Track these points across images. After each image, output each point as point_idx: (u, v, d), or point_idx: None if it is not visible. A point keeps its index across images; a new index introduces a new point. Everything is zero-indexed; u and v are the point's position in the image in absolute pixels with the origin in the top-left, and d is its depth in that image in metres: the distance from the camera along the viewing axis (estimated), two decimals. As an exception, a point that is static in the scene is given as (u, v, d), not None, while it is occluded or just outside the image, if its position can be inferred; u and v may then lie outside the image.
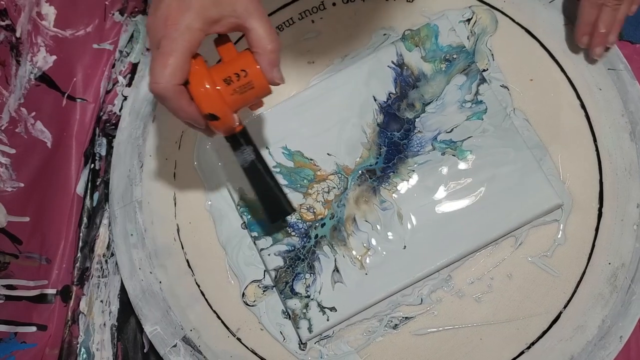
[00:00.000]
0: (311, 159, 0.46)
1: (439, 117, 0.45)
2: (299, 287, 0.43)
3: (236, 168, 0.45)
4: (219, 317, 0.45)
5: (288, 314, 0.43)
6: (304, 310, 0.43)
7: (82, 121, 0.53)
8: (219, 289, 0.46)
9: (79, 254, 0.50)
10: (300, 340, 0.43)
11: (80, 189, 0.52)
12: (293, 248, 0.44)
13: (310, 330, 0.42)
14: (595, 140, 0.44)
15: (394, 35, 0.48)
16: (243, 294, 0.45)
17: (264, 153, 0.45)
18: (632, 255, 0.42)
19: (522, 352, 0.41)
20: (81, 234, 0.50)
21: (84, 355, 0.47)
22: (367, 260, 0.43)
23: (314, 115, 0.46)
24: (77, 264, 0.50)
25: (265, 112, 0.47)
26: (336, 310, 0.42)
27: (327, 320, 0.42)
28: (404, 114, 0.45)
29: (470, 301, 0.43)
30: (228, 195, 0.46)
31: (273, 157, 0.46)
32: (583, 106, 0.45)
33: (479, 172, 0.43)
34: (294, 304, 0.43)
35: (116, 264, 0.48)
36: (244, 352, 0.44)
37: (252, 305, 0.45)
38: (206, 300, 0.45)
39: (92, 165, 0.52)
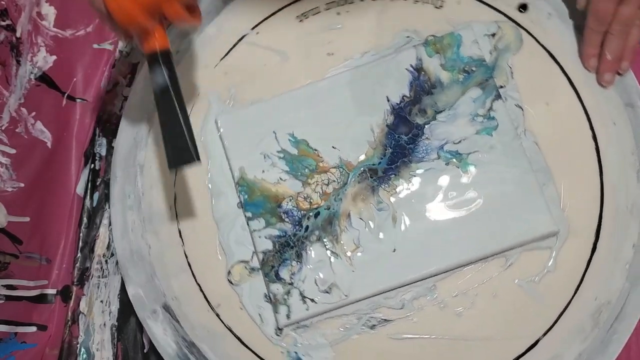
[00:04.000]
0: (316, 150, 0.46)
1: (449, 127, 0.45)
2: (284, 273, 0.44)
3: (242, 146, 0.46)
4: (201, 290, 0.46)
5: (269, 298, 0.44)
6: (285, 297, 0.43)
7: (82, 121, 0.53)
8: (206, 263, 0.46)
9: (79, 254, 0.51)
10: (278, 325, 0.43)
11: (80, 189, 0.52)
12: (284, 234, 0.44)
13: (288, 317, 0.43)
14: (601, 173, 0.44)
15: (417, 39, 0.48)
16: (229, 272, 0.45)
17: (271, 137, 0.45)
18: (620, 294, 0.41)
19: (493, 374, 0.41)
20: (81, 234, 0.51)
21: (84, 355, 0.48)
22: (356, 258, 0.43)
23: (325, 107, 0.46)
24: (77, 264, 0.50)
25: (277, 98, 0.47)
26: (316, 303, 0.43)
27: (307, 310, 0.43)
28: (415, 119, 0.45)
29: (451, 314, 0.43)
30: (229, 173, 0.47)
31: (279, 142, 0.46)
32: (595, 138, 0.44)
33: (479, 187, 0.43)
34: (277, 288, 0.43)
35: (116, 263, 0.48)
36: (220, 329, 0.45)
37: (236, 285, 0.45)
38: (192, 272, 0.46)
39: (92, 165, 0.52)
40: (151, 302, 0.45)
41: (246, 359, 0.44)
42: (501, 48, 0.47)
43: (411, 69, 0.46)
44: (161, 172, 0.48)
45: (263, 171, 0.46)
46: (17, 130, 0.49)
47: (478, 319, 0.42)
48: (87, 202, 0.52)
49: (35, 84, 0.51)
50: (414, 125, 0.45)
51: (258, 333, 0.44)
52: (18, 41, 0.49)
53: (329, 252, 0.43)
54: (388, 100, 0.46)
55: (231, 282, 0.45)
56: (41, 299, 0.49)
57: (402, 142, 0.45)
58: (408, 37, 0.48)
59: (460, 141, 0.44)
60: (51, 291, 0.50)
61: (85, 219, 0.51)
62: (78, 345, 0.48)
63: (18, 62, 0.49)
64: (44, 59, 0.52)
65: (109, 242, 0.50)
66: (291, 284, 0.43)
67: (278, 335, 0.44)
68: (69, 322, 0.49)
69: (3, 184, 0.48)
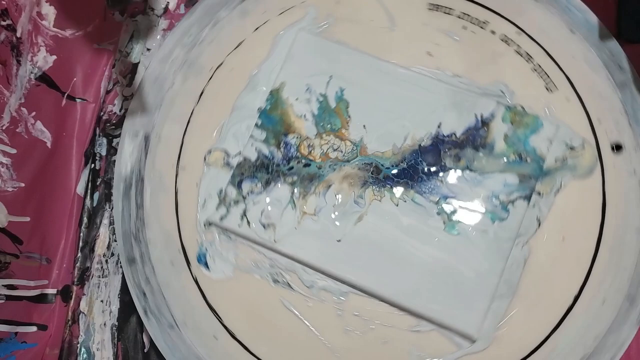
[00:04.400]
0: (349, 117, 0.46)
1: (466, 188, 0.44)
2: (245, 186, 0.45)
3: (298, 67, 0.47)
4: (180, 147, 0.48)
5: (221, 193, 0.46)
6: (231, 203, 0.45)
7: (82, 121, 0.53)
8: (198, 132, 0.48)
9: (79, 254, 0.51)
10: (209, 218, 0.46)
11: (80, 188, 0.52)
12: (271, 158, 0.46)
13: (221, 219, 0.45)
14: (554, 330, 0.42)
15: (506, 98, 0.45)
16: (210, 151, 0.47)
17: (324, 78, 0.47)
18: None
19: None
20: (81, 234, 0.51)
21: (84, 355, 0.48)
22: (306, 221, 0.44)
23: (387, 92, 0.46)
24: (78, 264, 0.51)
25: (358, 53, 0.47)
26: (249, 227, 0.45)
27: (238, 226, 0.45)
28: (445, 159, 0.45)
29: (340, 326, 0.43)
30: (273, 78, 0.48)
31: (327, 87, 0.47)
32: (582, 287, 0.43)
33: (447, 251, 0.43)
34: (231, 192, 0.45)
35: (116, 263, 0.48)
36: (170, 188, 0.47)
37: (207, 165, 0.47)
38: (185, 130, 0.48)
39: (93, 165, 0.52)
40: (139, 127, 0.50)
41: (171, 225, 0.47)
42: (568, 164, 0.44)
43: (479, 117, 0.45)
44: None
45: (297, 99, 0.47)
46: (17, 130, 0.49)
47: (359, 348, 0.43)
48: (87, 202, 0.52)
49: (36, 84, 0.51)
50: (441, 163, 0.45)
51: (192, 214, 0.47)
52: (18, 41, 0.49)
53: (290, 200, 0.45)
54: (438, 127, 0.45)
55: (205, 160, 0.47)
56: (41, 298, 0.50)
57: (419, 167, 0.45)
58: (502, 91, 0.46)
59: (464, 207, 0.44)
60: (51, 291, 0.50)
61: (85, 219, 0.52)
62: (78, 345, 0.49)
63: (18, 62, 0.50)
64: (44, 59, 0.52)
65: (109, 242, 0.51)
66: (244, 198, 0.45)
67: (205, 226, 0.46)
68: (69, 322, 0.49)
69: (4, 184, 0.48)
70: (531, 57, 0.46)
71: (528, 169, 0.44)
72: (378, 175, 0.45)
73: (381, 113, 0.46)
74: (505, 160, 0.44)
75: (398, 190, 0.44)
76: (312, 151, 0.45)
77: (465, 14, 0.48)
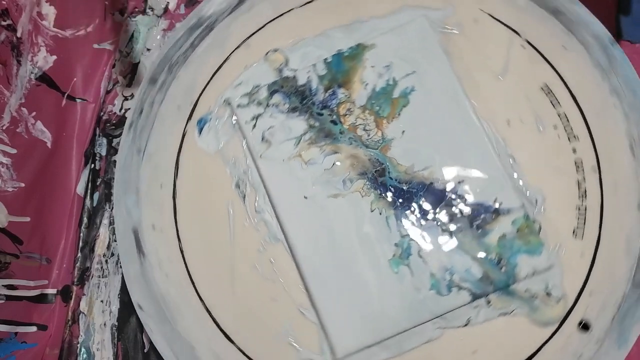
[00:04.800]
0: (399, 115, 0.45)
1: (435, 245, 0.42)
2: (276, 98, 0.46)
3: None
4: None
5: (254, 88, 0.47)
6: (255, 101, 0.46)
7: (82, 121, 0.53)
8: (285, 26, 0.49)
9: (79, 254, 0.51)
10: (230, 99, 0.47)
11: (80, 188, 0.52)
12: (312, 94, 0.46)
13: (238, 106, 0.47)
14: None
15: (534, 208, 0.43)
16: (276, 50, 0.48)
17: (407, 69, 0.46)
18: None
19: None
20: (81, 234, 0.51)
21: (84, 355, 0.48)
22: (294, 162, 0.45)
23: (443, 117, 0.44)
24: (78, 264, 0.51)
25: (446, 68, 0.45)
26: (251, 130, 0.46)
27: (245, 123, 0.46)
28: (441, 210, 0.43)
29: (254, 257, 0.44)
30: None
31: (405, 77, 0.46)
32: None
33: (377, 276, 0.42)
34: (262, 93, 0.46)
35: (116, 263, 0.48)
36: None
37: (264, 59, 0.48)
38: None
39: (93, 165, 0.52)
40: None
41: (202, 80, 0.49)
42: (534, 303, 0.41)
43: (496, 204, 0.42)
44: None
45: (372, 66, 0.46)
46: (17, 130, 0.49)
47: (252, 287, 0.44)
48: (87, 202, 0.52)
49: (36, 84, 0.51)
50: (435, 210, 0.43)
51: (224, 85, 0.48)
52: (19, 41, 0.49)
53: (299, 137, 0.45)
54: (459, 182, 0.43)
55: (266, 54, 0.48)
56: (41, 298, 0.50)
57: (415, 199, 0.43)
58: (536, 200, 0.43)
59: (420, 258, 0.42)
60: (51, 291, 0.50)
61: (85, 219, 0.52)
62: (78, 345, 0.49)
63: (19, 62, 0.50)
64: (44, 59, 0.52)
65: (109, 242, 0.51)
66: (267, 106, 0.46)
67: (223, 102, 0.48)
68: (69, 322, 0.49)
69: (4, 184, 0.48)
70: (585, 197, 0.43)
71: (496, 276, 0.41)
72: (379, 177, 0.44)
73: (425, 132, 0.44)
74: (485, 254, 0.42)
75: (382, 201, 0.43)
76: (347, 116, 0.45)
77: (565, 116, 0.45)
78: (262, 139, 0.45)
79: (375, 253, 0.42)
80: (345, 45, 0.47)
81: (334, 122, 0.45)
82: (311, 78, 0.46)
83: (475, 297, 0.41)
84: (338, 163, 0.44)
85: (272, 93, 0.46)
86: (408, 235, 0.43)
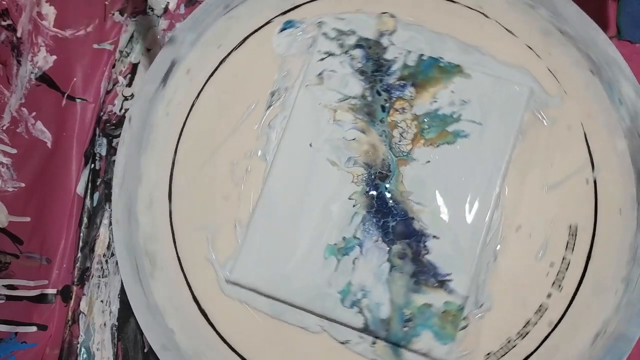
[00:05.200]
0: (437, 144, 0.44)
1: (369, 273, 0.42)
2: (357, 52, 0.46)
3: None
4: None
5: (349, 32, 0.46)
6: (336, 38, 0.46)
7: (82, 121, 0.53)
8: None
9: (79, 254, 0.51)
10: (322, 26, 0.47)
11: (80, 189, 0.52)
12: (389, 72, 0.45)
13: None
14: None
15: (470, 302, 0.42)
16: (389, 15, 0.47)
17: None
18: None
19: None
20: (81, 234, 0.51)
21: (84, 355, 0.48)
22: (324, 112, 0.45)
23: (471, 163, 0.43)
24: (78, 264, 0.51)
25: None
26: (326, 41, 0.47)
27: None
28: (395, 244, 0.42)
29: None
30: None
31: (474, 123, 0.44)
32: None
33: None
34: (351, 40, 0.46)
35: (116, 263, 0.48)
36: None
37: (378, 23, 0.47)
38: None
39: (92, 165, 0.52)
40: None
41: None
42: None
43: (442, 277, 0.42)
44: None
45: (452, 92, 0.45)
46: (17, 130, 0.49)
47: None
48: (87, 202, 0.52)
49: (36, 84, 0.51)
50: (390, 239, 0.42)
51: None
52: (19, 41, 0.50)
53: (346, 95, 0.45)
54: (434, 237, 0.43)
55: (381, 14, 0.47)
56: (41, 298, 0.50)
57: (387, 219, 0.43)
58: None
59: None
60: (51, 291, 0.50)
61: (85, 219, 0.52)
62: (78, 345, 0.49)
63: (19, 62, 0.50)
64: (44, 59, 0.52)
65: (109, 242, 0.51)
66: (345, 53, 0.46)
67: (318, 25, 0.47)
68: (69, 322, 0.49)
69: (4, 184, 0.48)
70: (522, 338, 0.42)
71: (395, 328, 0.41)
72: (378, 178, 0.44)
73: (443, 177, 0.42)
74: (403, 305, 0.41)
75: (363, 198, 0.43)
76: (397, 113, 0.44)
77: (568, 265, 0.42)
78: (320, 74, 0.46)
79: (323, 230, 0.43)
80: (448, 57, 0.45)
81: (382, 108, 0.45)
82: (398, 60, 0.45)
83: (366, 329, 0.41)
84: (354, 139, 0.44)
85: (357, 45, 0.46)
86: (359, 240, 0.43)
